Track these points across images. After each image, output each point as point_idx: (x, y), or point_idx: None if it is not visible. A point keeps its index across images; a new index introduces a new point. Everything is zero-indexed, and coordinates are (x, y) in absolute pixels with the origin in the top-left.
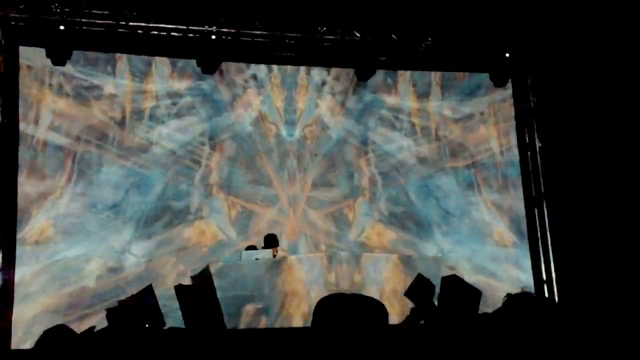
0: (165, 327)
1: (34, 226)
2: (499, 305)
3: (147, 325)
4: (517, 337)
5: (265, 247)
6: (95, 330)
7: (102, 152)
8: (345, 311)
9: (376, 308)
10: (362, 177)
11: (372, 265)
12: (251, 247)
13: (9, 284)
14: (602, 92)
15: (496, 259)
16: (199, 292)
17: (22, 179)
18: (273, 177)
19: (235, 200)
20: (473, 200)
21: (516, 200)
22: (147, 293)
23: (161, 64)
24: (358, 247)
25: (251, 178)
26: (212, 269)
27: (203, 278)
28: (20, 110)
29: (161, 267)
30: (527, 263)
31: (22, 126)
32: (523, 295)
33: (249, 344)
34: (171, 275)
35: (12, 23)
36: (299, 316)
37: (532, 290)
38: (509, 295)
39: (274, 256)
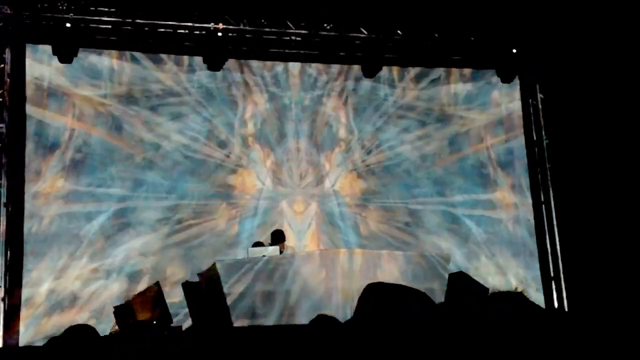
0: (172, 325)
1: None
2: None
3: (154, 322)
4: (526, 337)
5: (272, 243)
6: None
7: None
8: (395, 300)
9: (425, 300)
10: (368, 175)
11: (380, 263)
12: (258, 244)
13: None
14: (610, 88)
15: (502, 255)
16: (206, 290)
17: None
18: (279, 179)
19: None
20: (481, 197)
21: (523, 197)
22: (154, 291)
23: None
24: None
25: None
26: (219, 267)
27: (210, 275)
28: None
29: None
30: (535, 260)
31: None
32: (508, 294)
33: (255, 341)
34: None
35: (19, 21)
36: (304, 315)
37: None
38: (493, 293)
39: (281, 252)
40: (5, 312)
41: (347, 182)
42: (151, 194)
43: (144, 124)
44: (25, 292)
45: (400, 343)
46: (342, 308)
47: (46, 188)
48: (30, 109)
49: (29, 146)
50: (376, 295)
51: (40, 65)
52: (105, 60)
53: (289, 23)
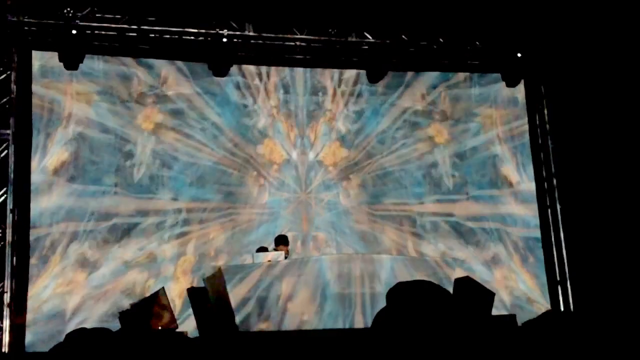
0: (178, 330)
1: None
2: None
3: (160, 328)
4: (530, 339)
5: (276, 246)
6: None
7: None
8: (423, 296)
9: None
10: (376, 179)
11: (384, 267)
12: (262, 249)
13: (23, 287)
14: (616, 92)
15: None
16: (211, 295)
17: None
18: (283, 182)
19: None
20: (487, 201)
21: (529, 201)
22: (159, 296)
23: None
24: None
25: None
26: (224, 272)
27: (215, 280)
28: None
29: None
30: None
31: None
32: (559, 313)
33: (260, 346)
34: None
35: (25, 28)
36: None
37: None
38: (547, 312)
39: (286, 257)
40: (11, 317)
41: (351, 187)
42: (167, 194)
43: (150, 125)
44: (31, 297)
45: (423, 342)
46: (347, 313)
47: (53, 192)
48: (35, 115)
49: (35, 152)
50: (403, 295)
51: (46, 71)
52: (112, 66)
53: (293, 29)
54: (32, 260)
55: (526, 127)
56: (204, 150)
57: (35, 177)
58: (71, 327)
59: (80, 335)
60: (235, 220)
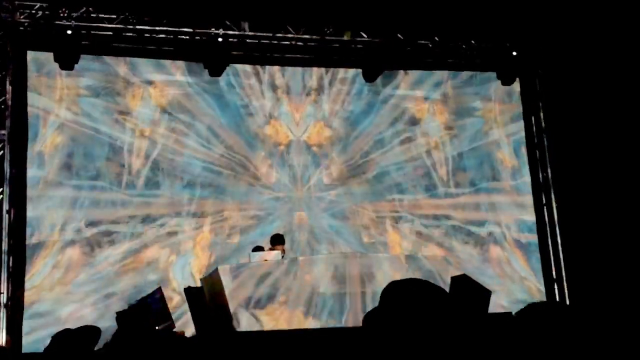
0: (174, 329)
1: None
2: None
3: (157, 328)
4: (527, 337)
5: (273, 246)
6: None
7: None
8: (416, 294)
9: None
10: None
11: (380, 265)
12: (259, 248)
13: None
14: (611, 90)
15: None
16: (208, 295)
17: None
18: (281, 183)
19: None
20: (485, 199)
21: (528, 199)
22: (156, 295)
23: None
24: None
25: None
26: (221, 271)
27: (212, 280)
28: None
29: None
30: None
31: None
32: (544, 304)
33: (257, 346)
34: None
35: (21, 28)
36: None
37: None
38: (531, 305)
39: (283, 257)
40: (7, 317)
41: (342, 184)
42: (163, 195)
43: (146, 125)
44: (27, 298)
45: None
46: (344, 312)
47: (48, 192)
48: (30, 116)
49: (30, 152)
50: (397, 293)
51: (40, 71)
52: (107, 66)
53: (289, 28)
54: (29, 261)
55: (521, 125)
56: (199, 149)
57: (31, 178)
58: (68, 326)
59: (64, 336)
60: (231, 220)
